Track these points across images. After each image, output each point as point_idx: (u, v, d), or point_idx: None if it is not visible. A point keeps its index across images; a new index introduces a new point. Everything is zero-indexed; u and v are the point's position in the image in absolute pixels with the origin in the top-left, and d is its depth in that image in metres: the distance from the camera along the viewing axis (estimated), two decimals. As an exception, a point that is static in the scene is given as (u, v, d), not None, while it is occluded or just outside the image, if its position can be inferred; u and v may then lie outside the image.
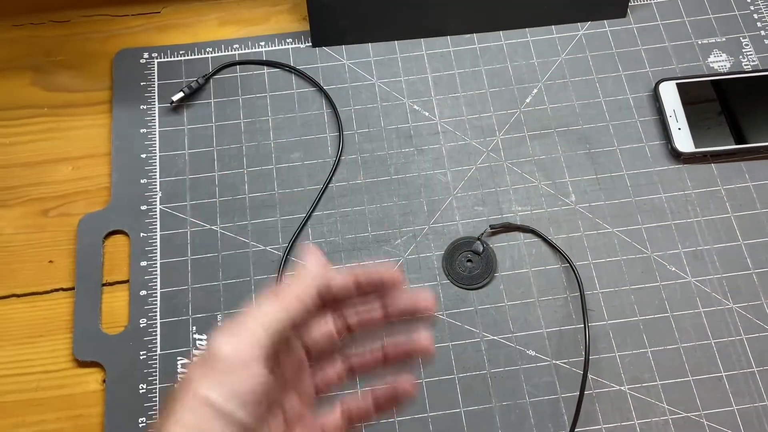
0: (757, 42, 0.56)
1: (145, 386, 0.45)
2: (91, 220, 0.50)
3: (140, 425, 0.44)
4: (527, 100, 0.54)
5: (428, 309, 0.31)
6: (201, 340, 0.46)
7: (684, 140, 0.51)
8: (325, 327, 0.31)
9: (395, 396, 0.31)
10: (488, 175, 0.52)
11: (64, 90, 0.55)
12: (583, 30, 0.57)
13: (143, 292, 0.48)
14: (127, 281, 0.48)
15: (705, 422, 0.44)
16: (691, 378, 0.45)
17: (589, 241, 0.49)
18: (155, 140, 0.53)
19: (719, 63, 0.55)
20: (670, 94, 0.53)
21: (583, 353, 0.45)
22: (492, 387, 0.45)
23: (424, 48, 0.56)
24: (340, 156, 0.52)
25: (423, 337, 0.31)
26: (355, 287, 0.31)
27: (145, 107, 0.54)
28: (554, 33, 0.57)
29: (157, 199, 0.51)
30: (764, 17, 0.57)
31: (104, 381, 0.45)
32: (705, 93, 0.53)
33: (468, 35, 0.57)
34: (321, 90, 0.54)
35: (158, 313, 0.47)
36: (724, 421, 0.44)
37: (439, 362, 0.46)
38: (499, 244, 0.49)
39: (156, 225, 0.50)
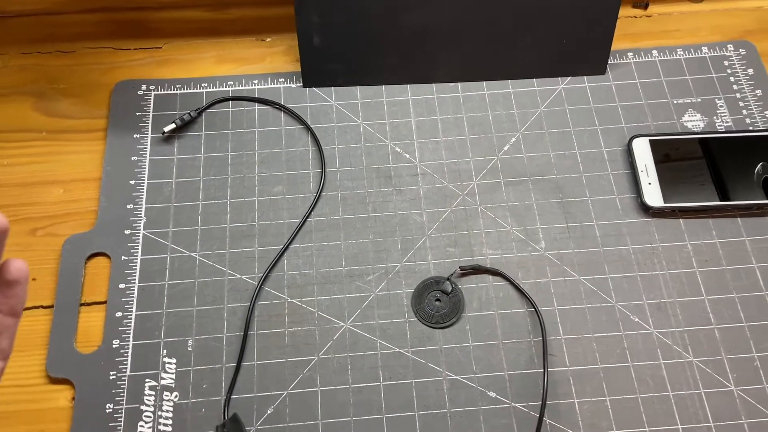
0: (731, 104, 0.58)
1: (111, 406, 0.46)
2: (75, 241, 0.52)
3: (103, 444, 0.45)
4: (505, 148, 0.56)
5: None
6: (170, 363, 0.48)
7: (653, 195, 0.53)
8: None
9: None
10: (462, 218, 0.53)
11: (63, 116, 0.58)
12: (563, 84, 0.59)
13: (119, 314, 0.49)
14: (104, 302, 0.50)
15: (659, 474, 0.44)
16: (647, 429, 0.45)
17: (555, 287, 0.50)
18: (145, 168, 0.55)
19: (693, 122, 0.57)
20: (642, 150, 0.55)
21: (541, 398, 0.46)
22: (451, 426, 0.46)
23: (410, 93, 0.59)
24: (320, 192, 0.54)
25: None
26: None
27: (138, 136, 0.56)
28: (535, 86, 0.59)
29: (141, 225, 0.52)
30: (740, 80, 0.59)
31: (73, 399, 0.47)
32: (676, 150, 0.55)
33: (453, 84, 0.59)
34: (308, 128, 0.57)
35: (131, 335, 0.48)
36: (678, 474, 0.44)
37: (401, 398, 0.47)
38: (468, 285, 0.51)
39: (138, 249, 0.51)
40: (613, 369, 0.47)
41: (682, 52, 0.60)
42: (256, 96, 0.58)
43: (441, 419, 0.46)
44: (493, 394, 0.47)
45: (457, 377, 0.47)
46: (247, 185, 0.54)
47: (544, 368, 0.47)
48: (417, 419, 0.46)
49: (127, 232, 0.52)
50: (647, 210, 0.53)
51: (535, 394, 0.47)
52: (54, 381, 0.47)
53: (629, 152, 0.55)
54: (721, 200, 0.52)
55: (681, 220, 0.53)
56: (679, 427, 0.46)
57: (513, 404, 0.46)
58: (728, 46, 0.61)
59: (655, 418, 0.46)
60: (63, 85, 0.59)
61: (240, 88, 0.59)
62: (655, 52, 0.60)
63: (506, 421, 0.46)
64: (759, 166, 0.54)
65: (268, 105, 0.58)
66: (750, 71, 0.59)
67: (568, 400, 0.46)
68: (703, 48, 0.61)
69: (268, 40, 0.62)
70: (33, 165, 0.55)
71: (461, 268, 0.51)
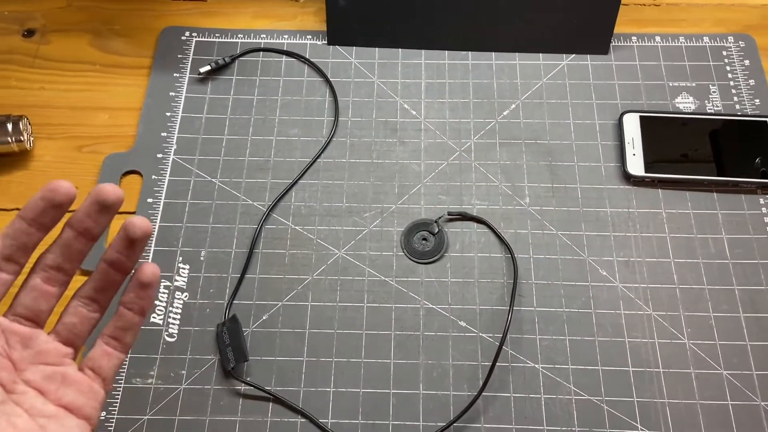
0: (724, 90, 0.61)
1: (130, 298, 0.53)
2: (114, 159, 0.59)
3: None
4: (504, 113, 0.61)
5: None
6: (184, 269, 0.54)
7: (636, 165, 0.57)
8: None
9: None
10: (457, 171, 0.58)
11: (115, 53, 0.65)
12: (566, 60, 0.63)
13: (145, 223, 0.56)
14: (134, 213, 0.57)
15: (605, 407, 0.49)
16: (600, 367, 0.50)
17: (533, 238, 0.55)
18: (180, 103, 0.62)
19: (684, 104, 0.61)
20: (631, 124, 0.59)
21: (504, 328, 0.51)
22: (422, 347, 0.51)
23: (423, 58, 0.64)
24: (332, 137, 0.60)
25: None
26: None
27: (177, 75, 0.63)
28: (540, 60, 0.64)
29: (172, 151, 0.59)
30: (735, 69, 0.62)
31: (99, 289, 0.53)
32: (663, 127, 0.59)
33: (464, 52, 0.64)
34: (327, 81, 0.63)
35: (153, 242, 0.55)
36: (622, 410, 0.48)
37: (380, 319, 0.52)
38: (454, 229, 0.56)
39: (167, 171, 0.58)
40: (576, 314, 0.52)
41: (683, 40, 0.64)
42: (285, 49, 0.65)
43: (414, 340, 0.51)
44: (463, 324, 0.52)
45: (433, 306, 0.53)
46: (268, 126, 0.61)
47: (510, 304, 0.52)
48: (393, 338, 0.51)
49: (159, 155, 0.59)
50: (629, 178, 0.57)
51: (501, 327, 0.52)
52: (83, 273, 0.54)
53: (620, 125, 0.59)
54: (698, 175, 0.56)
55: (659, 190, 0.57)
56: (630, 369, 0.50)
57: (480, 334, 0.51)
58: (729, 37, 0.64)
59: (608, 359, 0.50)
60: (117, 26, 0.67)
61: (271, 41, 0.65)
62: (658, 38, 0.64)
63: (472, 347, 0.51)
64: (758, 159, 0.57)
65: (294, 58, 0.64)
66: (746, 62, 0.62)
67: (530, 336, 0.51)
68: (704, 38, 0.64)
69: (301, 0, 0.68)
70: (85, 92, 0.63)
71: (449, 213, 0.56)
